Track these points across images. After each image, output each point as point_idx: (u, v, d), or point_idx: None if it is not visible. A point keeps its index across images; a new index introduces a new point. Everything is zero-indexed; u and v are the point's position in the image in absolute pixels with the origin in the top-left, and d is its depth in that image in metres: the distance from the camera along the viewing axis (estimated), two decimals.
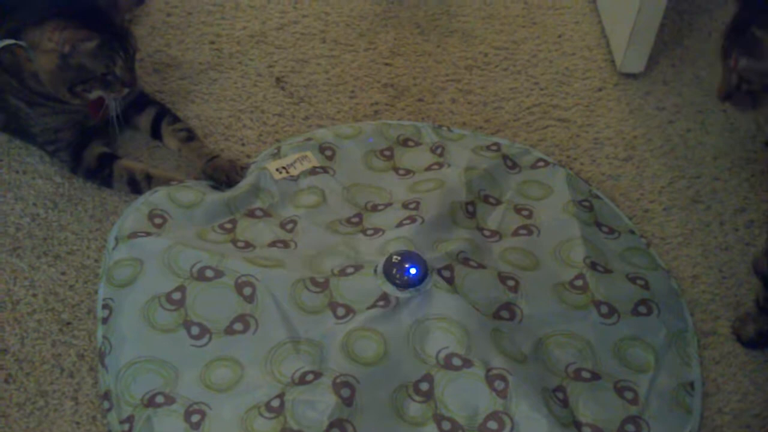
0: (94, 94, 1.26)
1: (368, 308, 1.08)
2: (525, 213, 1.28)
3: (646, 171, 1.40)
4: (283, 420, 0.99)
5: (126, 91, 1.28)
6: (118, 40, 1.23)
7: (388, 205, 1.26)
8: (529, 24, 1.65)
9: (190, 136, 1.36)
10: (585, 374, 1.08)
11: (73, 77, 1.22)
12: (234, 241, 1.19)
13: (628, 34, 1.47)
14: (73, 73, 1.22)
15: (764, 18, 0.88)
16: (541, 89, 1.53)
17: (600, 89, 1.54)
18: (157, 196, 1.24)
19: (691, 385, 1.10)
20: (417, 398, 1.03)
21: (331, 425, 0.98)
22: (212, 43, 1.58)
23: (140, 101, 1.38)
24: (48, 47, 1.20)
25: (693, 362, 1.13)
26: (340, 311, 1.08)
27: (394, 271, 1.09)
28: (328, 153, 1.34)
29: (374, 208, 1.26)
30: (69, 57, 1.20)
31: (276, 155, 1.32)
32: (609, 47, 1.59)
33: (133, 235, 1.17)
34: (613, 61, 1.56)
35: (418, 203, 1.23)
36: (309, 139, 1.36)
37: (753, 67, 0.93)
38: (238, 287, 1.10)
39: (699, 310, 1.20)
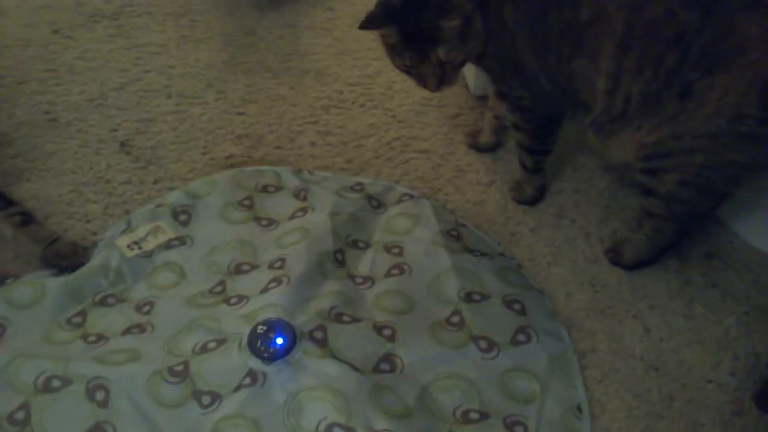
0: None
1: (235, 390, 1.01)
2: (395, 251, 1.25)
3: (506, 193, 1.40)
4: None
5: None
6: None
7: (254, 266, 1.19)
8: (381, 56, 1.61)
9: (26, 220, 1.25)
10: (473, 415, 1.06)
11: None
12: (85, 336, 1.09)
13: None
14: None
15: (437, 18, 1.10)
16: (399, 122, 1.51)
17: (457, 115, 1.53)
18: None
19: (579, 408, 1.10)
20: None
21: None
22: (47, 112, 1.47)
23: None
24: None
25: (578, 383, 1.12)
26: (205, 399, 1.01)
27: (259, 343, 1.03)
28: (183, 218, 1.26)
29: (238, 270, 1.19)
30: None
31: (127, 230, 1.23)
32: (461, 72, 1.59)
33: None
34: (467, 86, 1.56)
35: (283, 261, 1.17)
36: (160, 206, 1.27)
37: (449, 49, 1.13)
38: (89, 392, 1.00)
39: (575, 329, 1.20)
